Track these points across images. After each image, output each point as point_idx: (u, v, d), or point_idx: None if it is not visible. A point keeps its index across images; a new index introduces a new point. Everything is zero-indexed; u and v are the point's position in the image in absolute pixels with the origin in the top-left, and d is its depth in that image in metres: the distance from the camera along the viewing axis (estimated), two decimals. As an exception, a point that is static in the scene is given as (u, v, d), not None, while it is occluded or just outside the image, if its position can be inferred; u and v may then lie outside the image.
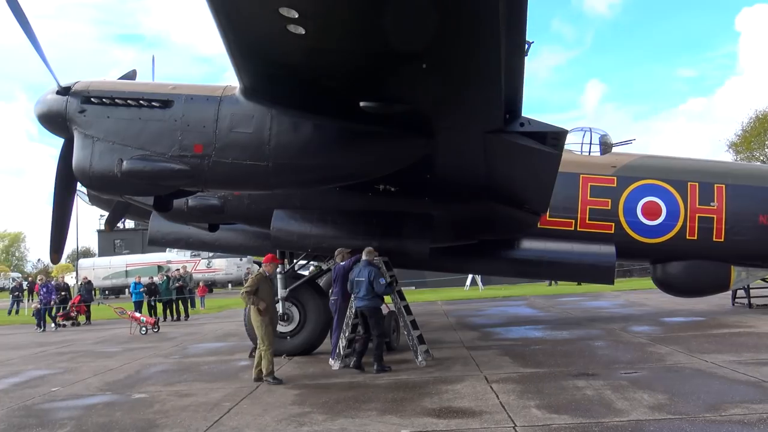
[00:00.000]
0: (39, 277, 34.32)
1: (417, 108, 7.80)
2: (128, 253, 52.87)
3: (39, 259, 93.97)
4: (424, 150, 8.92)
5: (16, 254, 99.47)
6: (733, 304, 17.43)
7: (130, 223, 51.09)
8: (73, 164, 8.87)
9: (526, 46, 6.38)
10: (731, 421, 6.32)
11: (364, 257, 10.67)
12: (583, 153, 15.96)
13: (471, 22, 5.71)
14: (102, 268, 49.45)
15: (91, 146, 8.57)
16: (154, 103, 8.57)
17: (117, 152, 8.46)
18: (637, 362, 9.84)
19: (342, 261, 11.16)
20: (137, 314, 20.22)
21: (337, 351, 10.83)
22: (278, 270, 12.72)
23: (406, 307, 11.31)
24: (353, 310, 10.79)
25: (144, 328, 19.53)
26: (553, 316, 18.18)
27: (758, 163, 43.57)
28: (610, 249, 14.85)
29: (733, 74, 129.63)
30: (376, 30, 6.06)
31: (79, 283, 27.82)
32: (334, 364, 10.75)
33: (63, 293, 26.06)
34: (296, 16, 5.87)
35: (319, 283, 13.97)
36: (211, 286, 45.44)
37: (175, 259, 45.07)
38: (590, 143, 16.13)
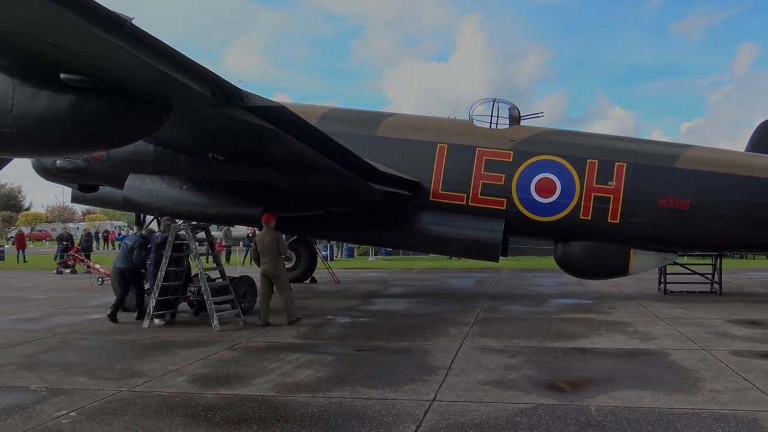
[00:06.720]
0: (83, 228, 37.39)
1: (111, 79, 8.00)
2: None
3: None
4: (163, 120, 9.07)
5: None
6: (659, 289, 16.45)
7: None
8: None
9: (124, 21, 6.43)
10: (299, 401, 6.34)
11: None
12: (492, 126, 15.56)
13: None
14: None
15: None
16: None
17: None
18: (409, 341, 9.68)
19: (165, 230, 11.72)
20: (97, 265, 21.66)
21: (148, 310, 11.43)
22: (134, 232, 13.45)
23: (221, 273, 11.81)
24: (163, 273, 11.36)
25: (100, 279, 20.97)
26: (472, 291, 17.85)
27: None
28: (498, 226, 14.49)
29: None
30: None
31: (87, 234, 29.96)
32: (144, 322, 11.38)
33: (65, 243, 28.35)
34: None
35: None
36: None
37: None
38: (498, 116, 15.60)
